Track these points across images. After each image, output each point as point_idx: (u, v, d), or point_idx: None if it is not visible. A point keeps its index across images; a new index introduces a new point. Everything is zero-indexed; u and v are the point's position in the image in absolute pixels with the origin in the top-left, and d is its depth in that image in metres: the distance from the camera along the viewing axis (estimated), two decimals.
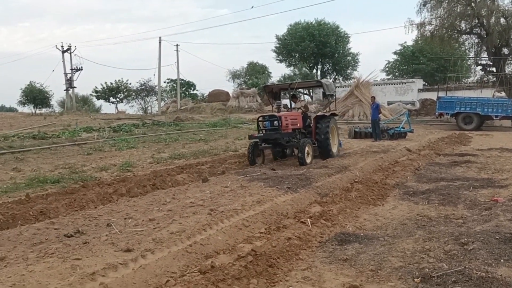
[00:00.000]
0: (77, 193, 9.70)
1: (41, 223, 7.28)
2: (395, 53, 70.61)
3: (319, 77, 72.27)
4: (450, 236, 6.08)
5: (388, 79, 65.93)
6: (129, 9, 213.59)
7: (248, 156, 13.59)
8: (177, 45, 62.34)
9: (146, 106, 73.40)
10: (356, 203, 8.40)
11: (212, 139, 21.78)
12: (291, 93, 16.56)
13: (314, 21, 69.53)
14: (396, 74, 70.33)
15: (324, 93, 15.54)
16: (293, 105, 16.33)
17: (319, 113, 15.82)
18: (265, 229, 6.90)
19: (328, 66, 73.89)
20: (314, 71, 73.02)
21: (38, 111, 57.27)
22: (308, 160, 13.03)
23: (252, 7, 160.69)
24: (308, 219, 7.17)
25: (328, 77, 73.85)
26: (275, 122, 13.15)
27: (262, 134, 13.36)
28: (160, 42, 58.29)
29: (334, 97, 16.18)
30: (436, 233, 6.33)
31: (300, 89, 45.42)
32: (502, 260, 5.11)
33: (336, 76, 74.12)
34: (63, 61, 62.01)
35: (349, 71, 72.52)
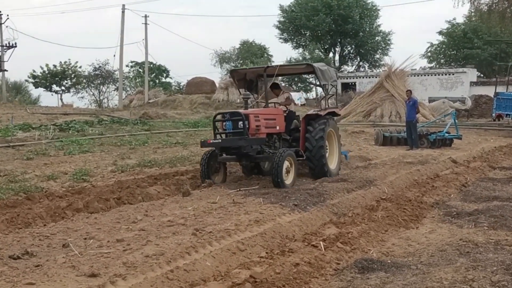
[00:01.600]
0: (20, 206, 10.14)
1: None
2: (440, 33, 71.51)
3: (337, 63, 73.03)
4: (499, 265, 6.58)
5: (431, 67, 66.72)
6: None
7: (201, 172, 12.77)
8: (145, 16, 63.14)
9: (102, 97, 73.84)
10: (382, 225, 8.91)
11: (193, 143, 22.27)
12: (272, 81, 14.52)
13: None
14: (442, 61, 71.14)
15: (319, 82, 14.71)
16: (274, 99, 15.13)
17: (310, 112, 14.33)
18: (266, 253, 7.40)
19: (350, 48, 74.79)
20: (331, 54, 73.77)
21: None
22: (288, 181, 12.05)
23: None
24: (321, 242, 7.68)
25: (350, 64, 74.60)
26: (240, 123, 12.06)
27: (219, 141, 12.48)
28: (123, 12, 58.91)
29: (334, 88, 15.52)
30: (482, 261, 6.83)
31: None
32: None
33: (361, 62, 74.88)
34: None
35: (377, 56, 73.31)
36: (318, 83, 14.83)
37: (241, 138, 11.92)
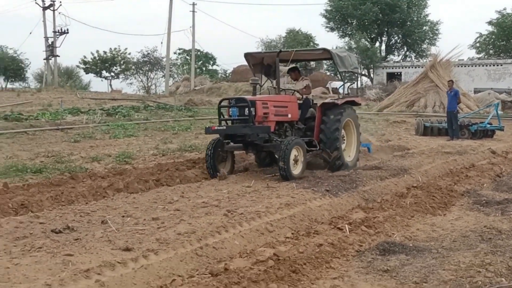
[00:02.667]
0: (65, 185, 10.68)
1: (24, 217, 8.22)
2: (490, 23, 70.18)
3: (383, 53, 72.54)
4: None
5: (479, 58, 65.76)
6: None
7: (206, 162, 12.11)
8: (193, 4, 63.77)
9: (150, 84, 74.67)
10: (409, 211, 9.10)
11: None
12: (289, 65, 14.45)
13: None
14: (491, 52, 69.94)
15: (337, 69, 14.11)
16: (289, 85, 14.97)
17: (327, 100, 13.68)
18: (292, 234, 7.72)
19: (396, 38, 74.10)
20: (377, 44, 73.32)
21: (9, 85, 58.98)
22: (296, 171, 11.45)
23: None
24: (346, 225, 7.97)
25: (396, 54, 74.04)
26: (246, 110, 11.48)
27: (224, 127, 11.87)
28: (171, 0, 59.44)
29: (356, 75, 15.27)
30: (502, 247, 6.98)
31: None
32: None
33: (407, 52, 74.17)
34: (44, 21, 63.88)
35: (425, 45, 72.24)
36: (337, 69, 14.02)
37: (246, 126, 11.35)
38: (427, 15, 71.71)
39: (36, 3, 63.82)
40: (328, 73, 70.48)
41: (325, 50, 13.66)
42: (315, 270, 6.24)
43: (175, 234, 7.14)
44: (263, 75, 14.24)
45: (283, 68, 19.22)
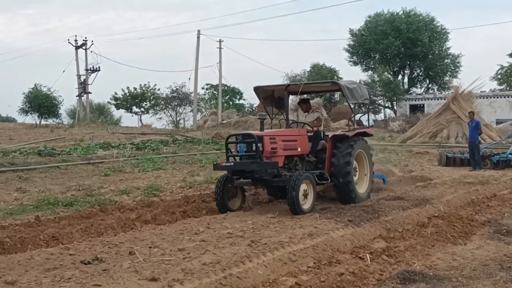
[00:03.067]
0: (94, 217, 10.86)
1: (54, 248, 8.37)
2: (510, 55, 69.88)
3: (406, 85, 72.42)
4: None
5: (501, 90, 65.25)
6: None
7: (216, 200, 11.71)
8: (220, 41, 64.19)
9: (178, 118, 75.27)
10: (430, 240, 9.05)
11: None
12: (299, 97, 14.37)
13: (401, 12, 69.97)
14: None
15: (347, 101, 13.56)
16: (301, 117, 14.13)
17: (337, 132, 13.48)
18: (314, 263, 7.73)
19: (419, 71, 73.92)
20: (400, 77, 73.14)
21: (43, 121, 59.78)
22: (306, 205, 11.05)
23: None
24: (368, 255, 7.96)
25: (419, 87, 73.85)
26: (253, 146, 11.08)
27: (232, 164, 11.51)
28: (198, 37, 60.21)
29: (366, 106, 14.41)
30: None
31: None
32: None
33: (430, 84, 73.95)
34: (77, 60, 65.02)
35: (447, 78, 71.90)
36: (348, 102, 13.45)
37: (253, 162, 10.94)
38: (448, 48, 71.53)
39: (69, 42, 65.16)
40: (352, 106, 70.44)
41: (333, 82, 13.75)
42: None
43: (200, 264, 7.19)
44: (274, 108, 14.04)
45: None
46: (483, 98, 54.50)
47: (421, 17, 69.23)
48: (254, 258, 7.60)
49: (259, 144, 10.95)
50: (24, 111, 63.41)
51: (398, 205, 11.86)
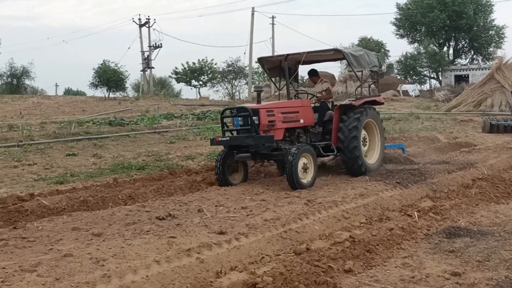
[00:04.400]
0: (164, 180, 11.30)
1: (132, 206, 8.77)
2: None
3: (451, 57, 71.08)
4: None
5: None
6: None
7: (216, 174, 10.80)
8: (272, 17, 64.24)
9: (234, 91, 75.58)
10: (474, 200, 9.17)
11: None
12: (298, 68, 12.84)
13: None
14: None
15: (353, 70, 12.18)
16: (311, 89, 13.15)
17: (344, 102, 12.07)
18: (366, 220, 7.97)
19: (463, 42, 72.48)
20: (445, 48, 71.89)
21: (112, 95, 60.89)
22: (307, 179, 10.13)
23: None
24: (415, 212, 8.17)
25: (463, 58, 72.40)
26: (252, 119, 10.12)
27: (227, 138, 10.60)
28: (252, 14, 60.32)
29: (376, 74, 13.19)
30: None
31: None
32: None
33: (474, 55, 72.45)
34: (140, 37, 65.93)
35: (491, 49, 70.33)
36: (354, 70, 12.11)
37: (249, 136, 10.05)
38: (493, 20, 69.88)
39: (133, 21, 66.15)
40: (398, 77, 69.65)
41: (336, 50, 12.01)
42: (387, 250, 6.48)
43: (262, 220, 7.48)
44: (282, 79, 12.94)
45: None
46: None
47: None
48: (310, 215, 7.83)
49: (254, 118, 10.06)
50: (94, 85, 64.30)
51: (443, 169, 11.88)
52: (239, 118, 10.36)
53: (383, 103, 13.36)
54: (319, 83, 12.82)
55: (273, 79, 13.49)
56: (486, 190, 9.88)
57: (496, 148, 16.04)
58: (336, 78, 59.80)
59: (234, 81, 75.30)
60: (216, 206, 8.65)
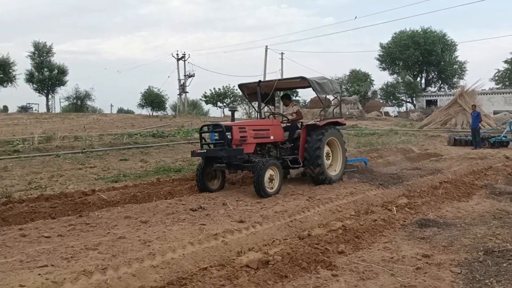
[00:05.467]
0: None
1: (171, 200, 8.82)
2: (506, 61, 67.58)
3: (423, 85, 70.86)
4: None
5: (497, 88, 63.20)
6: (236, 18, 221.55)
7: (197, 181, 10.00)
8: (281, 54, 64.25)
9: (250, 111, 75.73)
10: (441, 198, 9.14)
11: None
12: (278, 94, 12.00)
13: (420, 29, 68.54)
14: (507, 83, 67.07)
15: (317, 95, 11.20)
16: (285, 109, 12.30)
17: (310, 122, 11.20)
18: (355, 212, 7.99)
19: (433, 74, 72.31)
20: (418, 79, 71.72)
21: (155, 113, 61.28)
22: (272, 189, 9.25)
23: (355, 18, 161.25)
24: (394, 207, 8.18)
25: (433, 86, 72.16)
26: (224, 134, 9.40)
27: (204, 151, 9.80)
28: (266, 51, 60.59)
29: (337, 99, 12.24)
30: (509, 223, 7.03)
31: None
32: None
33: (441, 85, 72.23)
34: (178, 68, 66.29)
35: (455, 79, 70.20)
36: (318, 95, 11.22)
37: (222, 149, 9.33)
38: (456, 56, 69.89)
39: (172, 55, 66.60)
40: (381, 101, 69.51)
41: (302, 78, 10.87)
42: (371, 237, 6.50)
43: (273, 212, 7.53)
44: (261, 102, 11.65)
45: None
46: (483, 94, 53.08)
47: (435, 33, 67.83)
48: (311, 209, 7.89)
49: (228, 133, 9.37)
50: (141, 105, 64.88)
51: (416, 174, 11.89)
52: (215, 134, 9.60)
53: (345, 124, 12.26)
54: (290, 106, 12.06)
55: (251, 103, 12.37)
56: (450, 190, 9.85)
57: (458, 158, 15.96)
58: (331, 102, 59.59)
59: (251, 103, 75.27)
60: (236, 200, 8.70)
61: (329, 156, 11.02)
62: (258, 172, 8.89)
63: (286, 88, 12.73)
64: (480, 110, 28.19)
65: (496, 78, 69.53)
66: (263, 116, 11.93)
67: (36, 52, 73.75)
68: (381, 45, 72.07)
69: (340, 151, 11.23)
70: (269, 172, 9.16)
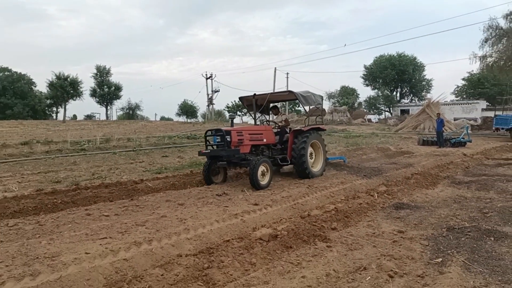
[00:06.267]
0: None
1: (201, 187, 8.83)
2: (463, 79, 66.81)
3: (398, 97, 70.13)
4: (476, 208, 6.66)
5: (457, 100, 62.44)
6: (252, 46, 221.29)
7: (203, 175, 9.63)
8: (287, 73, 64.33)
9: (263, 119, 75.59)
10: (412, 187, 9.01)
11: None
12: (266, 105, 11.30)
13: (396, 54, 67.85)
14: (464, 96, 66.26)
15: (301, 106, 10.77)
16: (275, 118, 11.79)
17: (297, 128, 10.82)
18: (345, 197, 7.90)
19: (406, 89, 71.49)
20: (394, 93, 70.97)
21: (189, 120, 61.53)
22: (264, 181, 8.80)
23: (345, 45, 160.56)
24: (375, 193, 8.07)
25: (406, 98, 71.42)
26: (225, 138, 9.02)
27: (209, 151, 9.30)
28: (275, 71, 60.23)
29: (319, 109, 11.62)
30: (466, 206, 6.92)
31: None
32: (509, 223, 5.66)
33: (412, 97, 71.46)
34: (206, 85, 67.08)
35: (423, 93, 69.37)
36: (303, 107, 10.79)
37: (222, 149, 8.95)
38: (425, 75, 69.15)
39: (202, 75, 66.76)
40: (365, 110, 68.96)
41: (290, 92, 10.50)
42: (357, 217, 6.44)
43: (280, 197, 7.49)
44: (258, 113, 11.50)
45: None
46: (446, 105, 52.41)
47: (408, 56, 67.22)
48: (310, 194, 7.82)
49: (227, 136, 8.97)
50: (178, 114, 65.42)
51: (393, 167, 11.73)
52: (217, 137, 9.21)
53: (325, 130, 11.72)
54: (279, 115, 11.59)
55: (250, 112, 11.70)
56: (420, 180, 9.72)
57: (426, 155, 15.76)
58: (326, 111, 59.32)
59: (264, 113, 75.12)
60: (251, 188, 8.65)
61: (312, 156, 10.62)
62: (252, 168, 8.56)
63: (277, 100, 12.07)
64: (443, 117, 27.93)
65: (456, 92, 68.73)
66: (258, 123, 11.51)
67: (98, 73, 74.42)
68: (365, 66, 71.46)
69: (321, 151, 10.80)
70: (261, 168, 8.81)
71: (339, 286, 3.92)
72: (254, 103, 10.66)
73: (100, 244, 4.82)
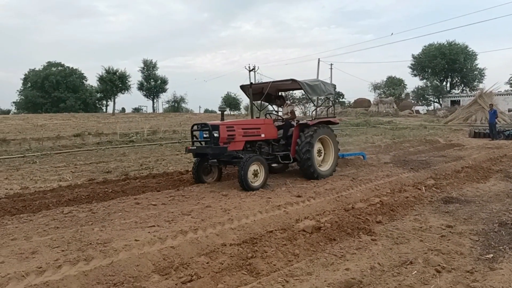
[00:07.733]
0: None
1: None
2: None
3: (448, 88, 67.35)
4: None
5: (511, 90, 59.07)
6: (295, 37, 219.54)
7: (193, 173, 8.62)
8: (331, 64, 63.45)
9: (306, 110, 75.26)
10: (462, 180, 8.67)
11: (354, 135, 22.40)
12: (269, 94, 10.11)
13: (446, 42, 65.02)
14: None
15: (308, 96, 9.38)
16: (280, 110, 10.67)
17: (302, 122, 9.42)
18: (390, 190, 7.72)
19: (456, 79, 68.45)
20: (444, 83, 68.20)
21: (232, 112, 62.16)
22: (257, 183, 7.73)
23: (391, 34, 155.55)
24: (423, 187, 7.84)
25: (456, 89, 68.47)
26: (212, 133, 7.89)
27: (195, 148, 8.20)
28: (318, 63, 59.74)
29: (330, 100, 10.54)
30: None
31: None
32: None
33: (464, 88, 68.35)
34: (249, 77, 66.62)
35: (475, 83, 66.19)
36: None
37: (208, 146, 7.87)
38: (476, 64, 65.72)
39: (245, 68, 67.70)
40: (413, 101, 66.81)
41: (293, 80, 9.09)
42: (404, 210, 6.29)
43: (323, 189, 7.46)
44: (263, 102, 10.65)
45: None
46: (499, 95, 49.65)
47: (458, 45, 64.13)
48: (354, 187, 7.74)
49: (215, 132, 7.87)
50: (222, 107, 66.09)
51: (442, 160, 11.35)
52: (203, 132, 8.07)
53: (338, 123, 10.41)
54: (285, 106, 10.30)
55: (254, 102, 10.54)
56: (470, 174, 9.34)
57: (477, 148, 15.10)
58: (371, 102, 58.03)
59: (306, 104, 74.81)
60: (295, 180, 8.67)
61: (321, 153, 9.42)
62: (242, 167, 7.54)
63: (279, 90, 10.86)
64: (496, 108, 26.57)
65: (511, 81, 64.90)
66: (257, 116, 10.51)
67: (145, 67, 76.52)
68: (413, 56, 69.06)
69: (332, 148, 9.56)
70: (253, 167, 7.74)
71: (384, 279, 3.87)
72: (251, 93, 9.45)
73: (149, 232, 5.02)
